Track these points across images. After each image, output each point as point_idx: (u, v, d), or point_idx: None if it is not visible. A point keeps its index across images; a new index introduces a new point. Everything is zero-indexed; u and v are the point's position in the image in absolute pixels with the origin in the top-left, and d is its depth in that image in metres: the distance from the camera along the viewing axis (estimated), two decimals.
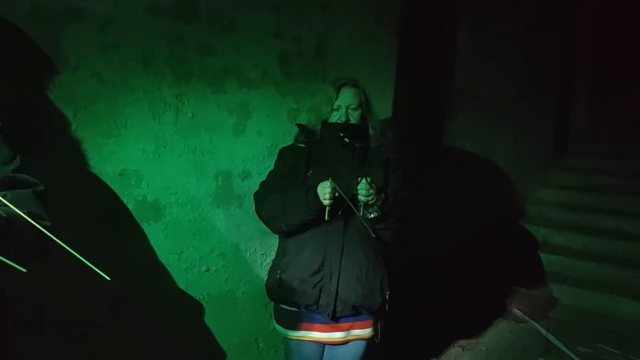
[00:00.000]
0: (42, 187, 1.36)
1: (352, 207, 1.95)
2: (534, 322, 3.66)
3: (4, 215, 1.09)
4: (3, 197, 1.08)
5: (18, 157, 1.35)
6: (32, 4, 1.77)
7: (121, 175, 2.02)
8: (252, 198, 2.24)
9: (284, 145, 2.32)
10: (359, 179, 1.96)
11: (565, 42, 5.60)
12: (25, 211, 1.06)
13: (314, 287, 2.08)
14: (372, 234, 2.00)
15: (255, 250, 2.47)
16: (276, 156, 2.29)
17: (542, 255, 4.41)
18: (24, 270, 0.95)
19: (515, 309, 3.85)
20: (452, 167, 4.09)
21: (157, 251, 2.17)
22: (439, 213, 3.76)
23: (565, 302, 4.01)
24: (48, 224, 1.23)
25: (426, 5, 3.93)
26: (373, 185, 1.96)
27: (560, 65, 5.56)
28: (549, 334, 3.46)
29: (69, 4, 1.83)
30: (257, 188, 2.25)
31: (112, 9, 1.93)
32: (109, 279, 1.01)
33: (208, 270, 2.33)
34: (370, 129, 2.24)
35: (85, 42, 1.88)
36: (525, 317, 3.74)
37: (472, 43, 4.29)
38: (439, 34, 4.18)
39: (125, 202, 2.05)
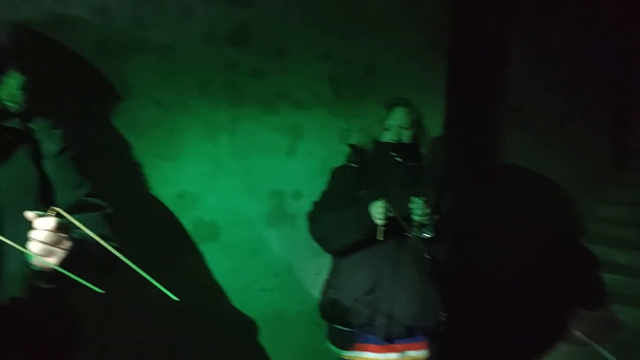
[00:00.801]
0: (110, 210, 1.43)
1: (406, 227, 1.94)
2: (596, 345, 3.50)
3: (77, 237, 1.15)
4: (75, 220, 1.14)
5: (88, 181, 1.42)
6: (99, 37, 1.89)
7: (179, 196, 2.10)
8: (305, 218, 2.27)
9: (336, 165, 2.34)
10: (413, 198, 1.96)
11: (620, 53, 5.42)
12: (96, 233, 1.12)
13: (367, 307, 2.07)
14: (425, 254, 1.99)
15: (308, 269, 2.49)
16: (328, 176, 2.31)
17: (603, 275, 4.23)
18: (102, 291, 1.00)
19: (577, 331, 3.70)
20: (505, 185, 4.01)
21: (213, 270, 2.23)
22: (494, 232, 3.68)
23: (628, 323, 3.81)
24: (116, 245, 1.29)
25: (476, 22, 3.91)
26: (427, 204, 1.95)
27: (616, 77, 5.38)
28: (612, 357, 3.30)
29: (132, 36, 1.95)
30: (310, 208, 2.28)
31: (171, 39, 2.03)
32: (176, 299, 1.05)
33: (262, 289, 2.37)
34: (422, 148, 2.24)
35: (147, 71, 1.98)
36: (587, 339, 3.58)
37: (523, 58, 4.22)
38: (489, 50, 4.14)
39: (183, 222, 2.13)
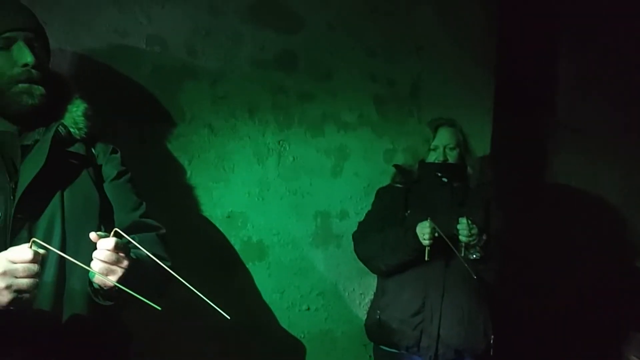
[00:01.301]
0: (164, 231, 1.49)
1: (453, 247, 1.93)
2: None
3: (134, 257, 1.21)
4: (133, 240, 1.20)
5: (144, 203, 1.49)
6: (154, 64, 1.99)
7: (229, 217, 2.16)
8: (351, 238, 2.30)
9: (381, 185, 2.37)
10: (460, 219, 1.95)
11: None
12: (152, 252, 1.17)
13: (414, 328, 2.06)
14: (473, 275, 1.96)
15: (353, 289, 2.50)
16: (373, 196, 2.33)
17: None
18: (159, 308, 1.04)
19: (633, 356, 3.53)
20: (557, 206, 3.90)
21: (260, 289, 2.27)
22: (545, 253, 3.58)
23: None
24: (169, 264, 1.34)
25: (524, 37, 3.86)
26: (474, 225, 1.94)
27: None
28: None
29: (185, 62, 2.04)
30: (355, 228, 2.30)
31: (222, 65, 2.12)
32: (228, 317, 1.08)
33: (308, 309, 2.38)
34: (468, 168, 2.23)
35: (199, 96, 2.07)
36: None
37: (574, 74, 4.13)
38: (538, 67, 4.07)
39: (232, 242, 2.18)
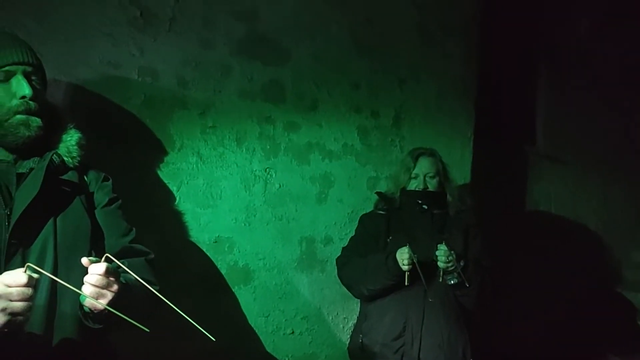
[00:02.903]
0: (153, 256, 1.55)
1: (421, 274, 1.99)
2: None
3: (124, 281, 1.26)
4: (122, 265, 1.26)
5: (134, 229, 1.55)
6: (145, 95, 2.07)
7: (216, 242, 2.22)
8: (334, 263, 2.36)
9: (365, 212, 2.44)
10: (439, 245, 2.02)
11: None
12: (140, 277, 1.23)
13: (395, 352, 2.11)
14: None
15: (337, 314, 2.55)
16: (357, 223, 2.40)
17: None
18: (147, 330, 1.10)
19: None
20: (537, 232, 3.99)
21: (246, 313, 2.31)
22: (525, 278, 3.65)
23: None
24: (158, 288, 1.39)
25: (504, 70, 3.99)
26: (452, 251, 2.01)
27: None
28: None
29: (175, 93, 2.12)
30: (339, 253, 2.36)
31: (211, 96, 2.20)
32: (214, 339, 1.13)
33: (293, 332, 2.43)
34: (448, 196, 2.31)
35: (188, 125, 2.15)
36: None
37: (553, 104, 4.27)
38: (518, 97, 4.20)
39: (219, 267, 2.24)
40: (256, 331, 2.34)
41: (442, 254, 2.00)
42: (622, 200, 4.80)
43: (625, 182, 4.89)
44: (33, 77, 1.42)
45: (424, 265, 2.02)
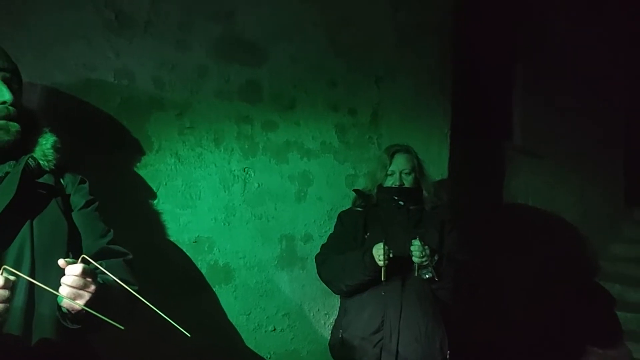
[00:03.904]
0: (131, 256, 1.57)
1: (383, 273, 2.02)
2: None
3: (101, 282, 1.29)
4: (100, 266, 1.28)
5: (111, 230, 1.57)
6: (122, 97, 2.08)
7: (196, 242, 2.24)
8: (314, 260, 2.39)
9: (343, 209, 2.48)
10: (413, 240, 2.07)
11: (630, 91, 5.50)
12: (118, 277, 1.25)
13: (374, 346, 2.15)
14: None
15: (318, 310, 2.59)
16: (335, 220, 2.44)
17: (618, 313, 4.21)
18: (122, 327, 1.12)
19: None
20: (516, 225, 4.07)
21: (227, 312, 2.34)
22: (503, 272, 3.72)
23: None
24: (136, 288, 1.42)
25: (480, 66, 4.06)
26: (426, 246, 2.06)
27: (626, 116, 5.45)
28: None
29: (152, 95, 2.14)
30: (318, 250, 2.40)
31: (188, 97, 2.22)
32: (189, 335, 1.16)
33: (274, 329, 2.46)
34: (424, 192, 2.35)
35: (166, 127, 2.17)
36: None
37: (529, 99, 4.35)
38: (495, 93, 4.27)
39: (199, 266, 2.26)
40: (238, 329, 2.37)
41: (416, 249, 2.05)
42: (599, 194, 4.90)
43: (602, 175, 5.00)
44: (12, 83, 1.43)
45: (400, 260, 2.06)
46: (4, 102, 1.38)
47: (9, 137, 1.40)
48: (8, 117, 1.39)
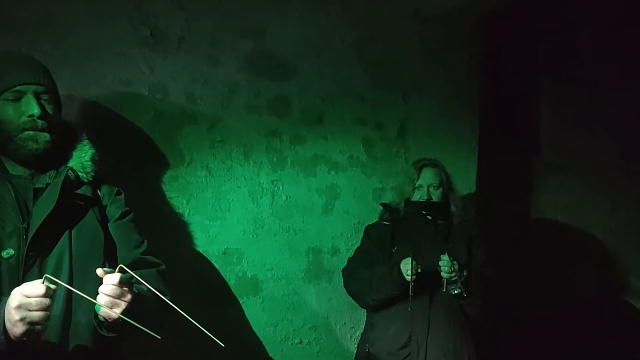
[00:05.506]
0: (164, 267, 1.60)
1: (411, 288, 2.02)
2: None
3: (137, 291, 1.32)
4: (135, 275, 1.31)
5: (145, 241, 1.61)
6: (155, 111, 2.14)
7: (224, 253, 2.27)
8: (341, 273, 2.40)
9: (370, 223, 2.48)
10: (442, 255, 2.06)
11: None
12: (152, 287, 1.28)
13: None
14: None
15: (345, 323, 2.59)
16: (362, 233, 2.44)
17: None
18: (159, 337, 1.15)
19: None
20: (544, 241, 4.00)
21: (254, 324, 2.36)
22: (532, 288, 3.66)
23: None
24: (169, 297, 1.45)
25: (506, 79, 4.03)
26: (455, 262, 2.05)
27: None
28: None
29: (184, 109, 2.19)
30: (345, 264, 2.40)
31: (219, 111, 2.27)
32: (223, 345, 1.18)
33: (301, 342, 2.47)
34: (452, 206, 2.35)
35: (197, 140, 2.22)
36: None
37: (556, 113, 4.29)
38: (521, 106, 4.23)
39: (227, 277, 2.29)
40: (264, 341, 2.38)
41: (444, 264, 2.04)
42: (629, 210, 4.79)
43: (633, 192, 4.89)
44: (44, 97, 1.49)
45: (428, 275, 2.06)
46: (31, 116, 1.44)
47: (38, 145, 1.45)
48: (36, 129, 1.45)
